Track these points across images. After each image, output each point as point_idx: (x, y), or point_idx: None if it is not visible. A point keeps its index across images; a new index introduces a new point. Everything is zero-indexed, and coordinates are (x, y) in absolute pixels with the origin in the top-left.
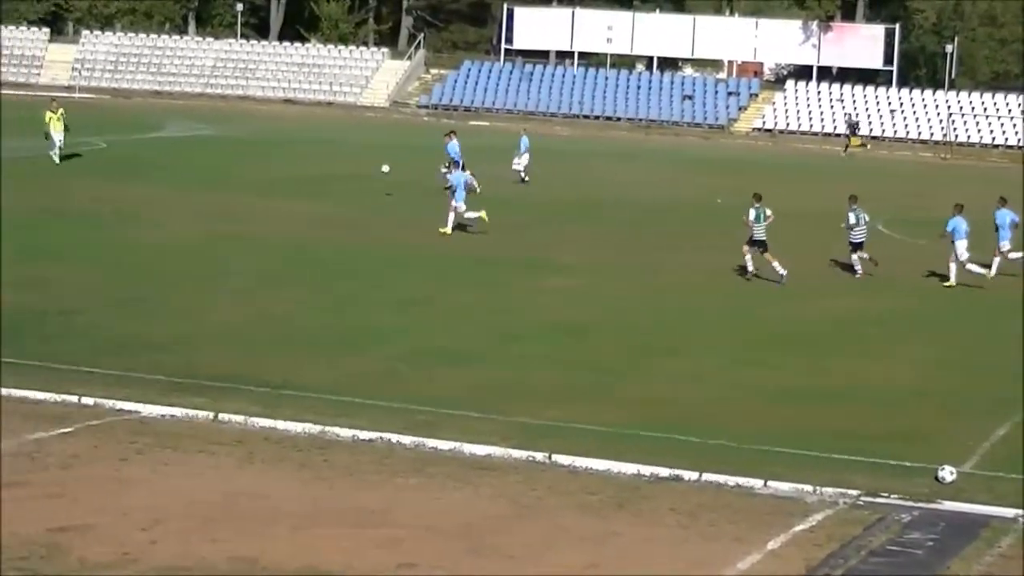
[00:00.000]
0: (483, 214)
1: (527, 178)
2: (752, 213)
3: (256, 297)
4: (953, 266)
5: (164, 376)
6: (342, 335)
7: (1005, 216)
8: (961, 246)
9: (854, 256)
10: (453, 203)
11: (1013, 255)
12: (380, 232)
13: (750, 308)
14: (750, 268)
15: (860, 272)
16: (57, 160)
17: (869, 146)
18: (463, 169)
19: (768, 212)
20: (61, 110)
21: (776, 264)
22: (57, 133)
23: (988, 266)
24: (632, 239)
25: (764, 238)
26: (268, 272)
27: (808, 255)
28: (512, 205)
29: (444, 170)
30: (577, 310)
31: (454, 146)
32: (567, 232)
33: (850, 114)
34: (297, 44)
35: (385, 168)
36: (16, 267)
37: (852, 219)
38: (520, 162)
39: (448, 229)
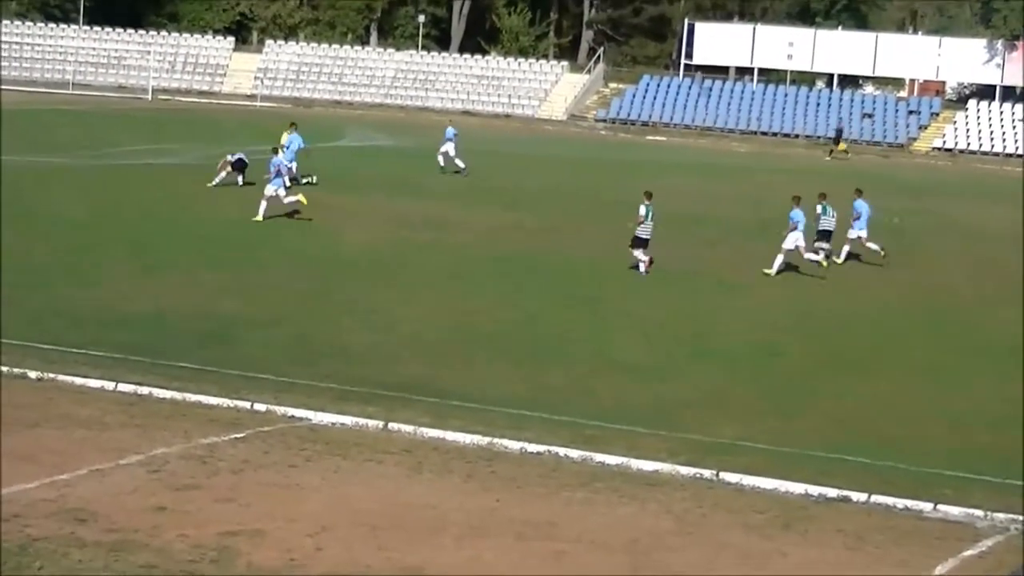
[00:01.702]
0: (301, 197)
1: (444, 165)
2: (643, 210)
3: (450, 305)
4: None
5: (336, 384)
6: (533, 346)
7: (862, 206)
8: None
9: (819, 243)
10: (269, 188)
11: (852, 239)
12: (574, 243)
13: (949, 324)
14: (643, 266)
15: (817, 259)
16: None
17: (850, 154)
18: (277, 153)
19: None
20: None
21: (643, 263)
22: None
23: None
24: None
25: (648, 237)
26: (462, 281)
27: (1008, 276)
28: (691, 222)
29: (287, 163)
30: (773, 326)
31: (295, 137)
32: (753, 248)
33: (841, 119)
34: (477, 56)
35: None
36: (218, 273)
37: (819, 210)
38: (444, 150)
39: (260, 216)
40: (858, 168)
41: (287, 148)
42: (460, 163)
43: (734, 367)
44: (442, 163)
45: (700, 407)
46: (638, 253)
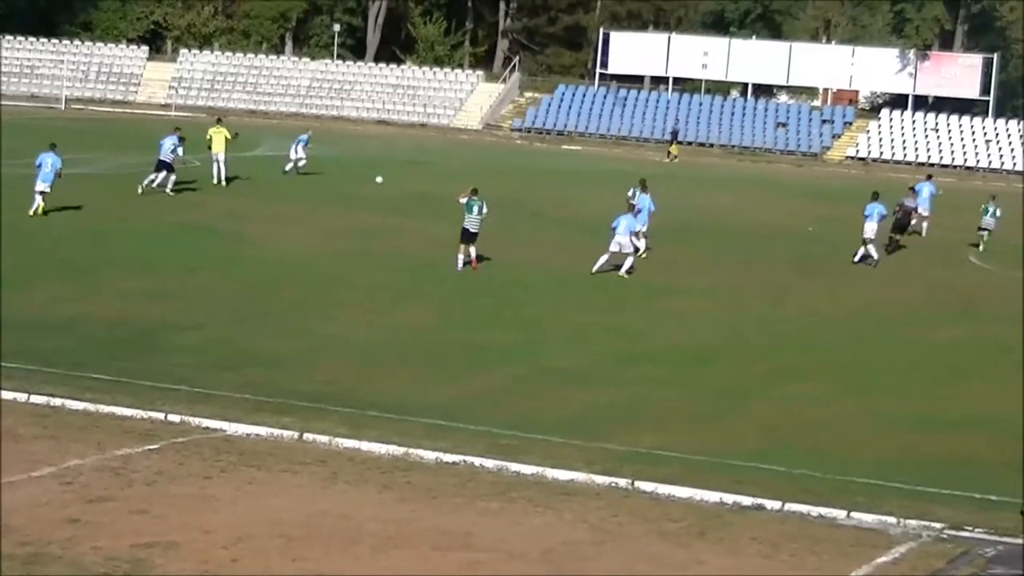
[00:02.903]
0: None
1: (288, 169)
2: (463, 199)
3: (374, 314)
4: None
5: (252, 395)
6: (461, 353)
7: (645, 200)
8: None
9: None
10: (39, 185)
11: (643, 239)
12: (499, 251)
13: (873, 333)
14: (461, 260)
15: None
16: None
17: (677, 158)
18: (52, 149)
19: (485, 208)
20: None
21: (464, 255)
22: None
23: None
24: (739, 264)
25: (477, 231)
26: (389, 289)
27: (923, 282)
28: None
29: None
30: (697, 333)
31: (171, 139)
32: (676, 256)
33: (678, 120)
34: (393, 65)
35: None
36: (143, 280)
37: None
38: (294, 155)
39: (33, 211)
40: (762, 174)
41: (160, 147)
42: (290, 167)
43: (661, 373)
44: (290, 168)
45: (621, 415)
46: (466, 247)
